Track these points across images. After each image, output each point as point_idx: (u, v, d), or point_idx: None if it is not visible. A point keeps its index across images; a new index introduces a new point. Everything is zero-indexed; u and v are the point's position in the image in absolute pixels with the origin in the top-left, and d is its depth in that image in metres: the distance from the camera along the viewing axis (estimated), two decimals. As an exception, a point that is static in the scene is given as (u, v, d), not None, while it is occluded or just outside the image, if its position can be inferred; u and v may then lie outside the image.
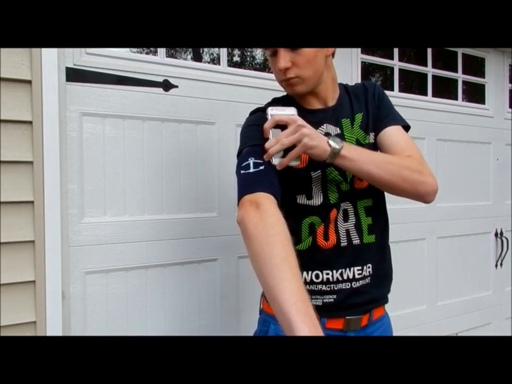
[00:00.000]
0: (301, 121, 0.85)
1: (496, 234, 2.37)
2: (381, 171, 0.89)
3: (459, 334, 2.23)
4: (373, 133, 1.00)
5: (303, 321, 0.62)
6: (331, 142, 0.86)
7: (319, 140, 0.85)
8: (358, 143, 0.98)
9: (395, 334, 1.11)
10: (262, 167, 0.86)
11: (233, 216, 1.55)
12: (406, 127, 1.03)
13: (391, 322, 1.09)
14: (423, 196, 0.95)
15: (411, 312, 2.06)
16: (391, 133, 0.99)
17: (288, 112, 0.88)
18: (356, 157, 0.87)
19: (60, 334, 1.22)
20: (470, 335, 2.26)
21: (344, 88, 1.05)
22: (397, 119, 1.02)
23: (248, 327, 1.10)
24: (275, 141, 0.84)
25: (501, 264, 2.39)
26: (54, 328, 1.21)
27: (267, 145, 0.85)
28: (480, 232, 2.31)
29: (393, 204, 2.02)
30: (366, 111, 1.01)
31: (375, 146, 1.00)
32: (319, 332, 0.63)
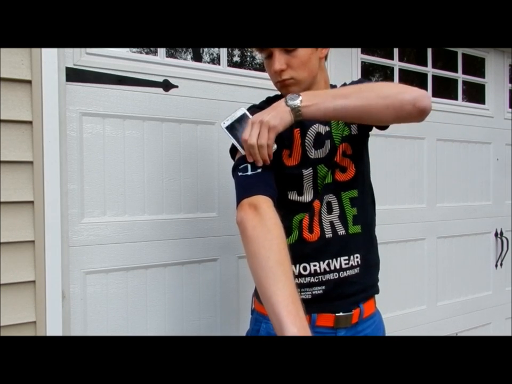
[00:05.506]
0: (254, 118, 0.86)
1: (496, 234, 2.37)
2: (352, 100, 0.85)
3: (459, 334, 2.23)
4: (355, 125, 1.01)
5: (293, 323, 0.66)
6: (289, 102, 0.85)
7: (280, 113, 0.85)
8: (344, 138, 0.99)
9: (395, 334, 1.11)
10: (259, 170, 0.88)
11: (233, 216, 1.55)
12: None
13: (384, 321, 1.10)
14: (412, 102, 0.85)
15: (411, 312, 2.06)
16: None
17: (239, 114, 0.91)
18: (319, 99, 0.86)
19: (60, 334, 1.22)
20: (470, 335, 2.26)
21: None
22: None
23: (248, 327, 1.10)
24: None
25: (501, 264, 2.39)
26: (54, 328, 1.21)
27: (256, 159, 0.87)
28: (480, 232, 2.31)
29: (393, 204, 2.04)
30: None
31: (356, 138, 1.01)
32: (307, 333, 0.67)
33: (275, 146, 0.89)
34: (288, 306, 0.68)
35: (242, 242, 0.81)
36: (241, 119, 0.91)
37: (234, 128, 0.91)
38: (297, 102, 0.85)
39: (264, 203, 0.82)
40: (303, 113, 0.86)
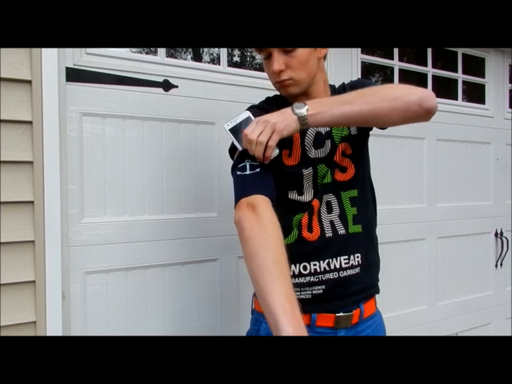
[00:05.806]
0: (260, 117, 0.87)
1: (496, 234, 2.37)
2: (358, 105, 0.86)
3: (459, 334, 2.23)
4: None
5: (288, 322, 0.66)
6: (295, 110, 0.86)
7: (287, 119, 0.86)
8: (343, 138, 1.00)
9: (395, 334, 1.11)
10: (258, 170, 0.89)
11: (233, 217, 1.55)
12: None
13: (384, 321, 1.10)
14: (418, 103, 0.86)
15: (411, 312, 2.06)
16: None
17: (243, 116, 0.92)
18: (324, 107, 0.87)
19: (60, 334, 1.22)
20: (470, 335, 2.26)
21: (333, 89, 1.07)
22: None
23: (248, 327, 1.10)
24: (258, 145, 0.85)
25: (501, 264, 2.39)
26: (54, 328, 1.21)
27: (257, 154, 0.86)
28: (480, 232, 2.31)
29: (393, 204, 2.04)
30: None
31: (356, 138, 1.01)
32: (303, 333, 0.67)
33: (277, 151, 0.88)
34: (284, 306, 0.68)
35: (240, 242, 0.81)
36: (245, 122, 0.91)
37: (237, 130, 0.91)
38: (303, 110, 0.86)
39: (262, 203, 0.83)
40: (309, 122, 0.86)
